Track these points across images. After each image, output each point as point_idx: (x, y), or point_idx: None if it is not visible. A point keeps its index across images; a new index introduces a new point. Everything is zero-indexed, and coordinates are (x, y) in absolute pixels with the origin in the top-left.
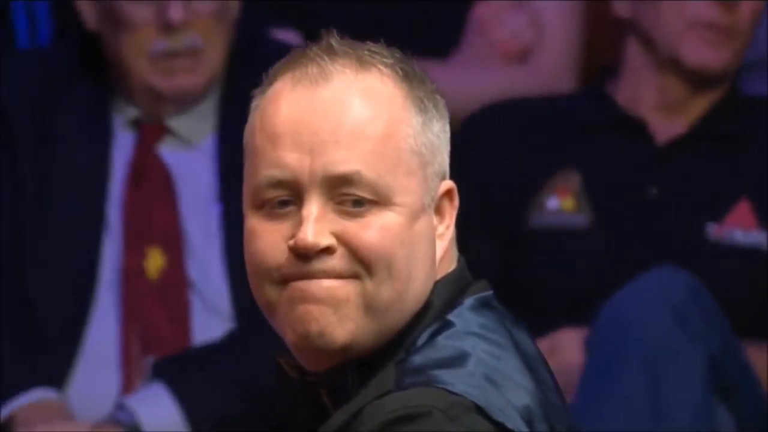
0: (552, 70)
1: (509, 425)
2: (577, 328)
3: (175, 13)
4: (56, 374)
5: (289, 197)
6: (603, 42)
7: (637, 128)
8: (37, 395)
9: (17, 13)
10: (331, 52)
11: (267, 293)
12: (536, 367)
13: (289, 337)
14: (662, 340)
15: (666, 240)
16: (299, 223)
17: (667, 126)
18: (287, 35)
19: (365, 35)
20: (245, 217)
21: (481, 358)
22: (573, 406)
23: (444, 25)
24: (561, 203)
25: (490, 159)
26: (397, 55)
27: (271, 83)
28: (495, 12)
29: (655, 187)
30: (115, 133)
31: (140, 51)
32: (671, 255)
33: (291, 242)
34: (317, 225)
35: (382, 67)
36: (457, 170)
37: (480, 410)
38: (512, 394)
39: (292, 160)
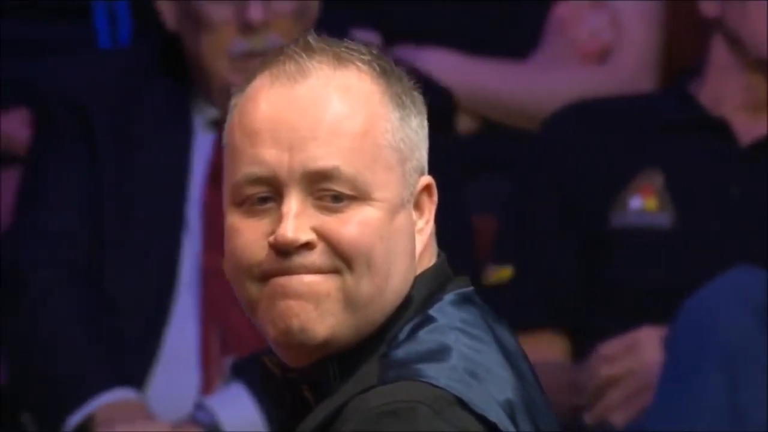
0: (631, 70)
1: (491, 419)
2: (657, 327)
3: (255, 13)
4: (136, 374)
5: (268, 194)
6: (680, 42)
7: (720, 128)
8: (118, 395)
9: (98, 13)
10: (309, 49)
11: (248, 290)
12: (518, 363)
13: (270, 333)
14: (742, 339)
15: (747, 240)
16: (279, 219)
17: (750, 126)
18: (367, 35)
19: (445, 36)
20: (225, 215)
21: (463, 353)
22: (652, 405)
23: (523, 25)
24: (644, 203)
25: (572, 159)
26: (375, 52)
27: (249, 81)
28: (575, 12)
29: (738, 187)
30: (195, 133)
31: (220, 51)
32: (752, 255)
33: (271, 238)
34: (297, 221)
35: (359, 64)
36: (538, 171)
37: (462, 404)
38: (494, 388)
39: (271, 156)
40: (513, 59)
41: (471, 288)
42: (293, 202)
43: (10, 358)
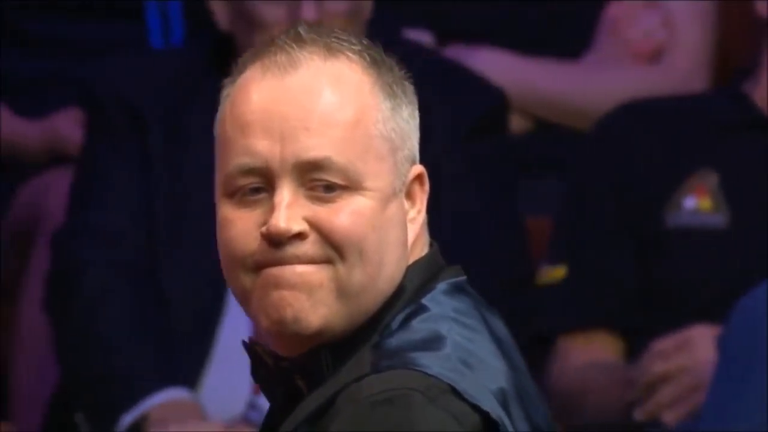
0: (685, 70)
1: (484, 407)
2: (710, 325)
3: (308, 12)
4: (189, 374)
5: (260, 184)
6: (734, 42)
7: None
8: (171, 394)
9: (150, 14)
10: (300, 40)
11: (241, 281)
12: (510, 352)
13: (263, 323)
14: None
15: None
16: (271, 209)
17: None
18: (420, 35)
19: (497, 35)
20: (218, 206)
21: (456, 342)
22: (705, 404)
23: (576, 24)
24: (698, 203)
25: (626, 159)
26: (365, 42)
27: (240, 72)
28: (628, 12)
29: None
30: None
31: None
32: None
33: (263, 229)
34: (289, 211)
35: (350, 54)
36: (592, 171)
37: (455, 393)
38: (487, 377)
39: (262, 147)
40: (566, 59)
41: (463, 277)
42: (285, 193)
43: (63, 358)
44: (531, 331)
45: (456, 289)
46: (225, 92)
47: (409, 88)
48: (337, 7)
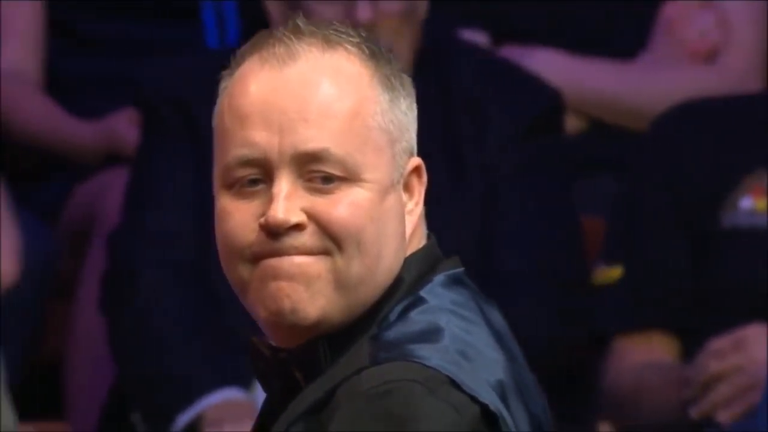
0: (741, 70)
1: (483, 399)
2: (766, 325)
3: (363, 13)
4: (244, 374)
5: (258, 176)
6: None
7: None
8: (226, 394)
9: (206, 14)
10: (298, 32)
11: (239, 272)
12: (508, 344)
13: (261, 314)
14: None
15: None
16: (269, 200)
17: None
18: (475, 36)
19: (553, 36)
20: (216, 198)
21: (454, 334)
22: (760, 405)
23: (632, 25)
24: (755, 203)
25: (682, 158)
26: (363, 34)
27: (239, 64)
28: (684, 12)
29: None
30: None
31: None
32: None
33: (262, 220)
34: (287, 202)
35: (348, 46)
36: (648, 171)
37: (454, 384)
38: (485, 369)
39: (261, 138)
40: (621, 59)
41: (461, 269)
42: (283, 184)
43: (119, 358)
44: (587, 331)
45: (454, 281)
46: (223, 84)
47: (407, 81)
48: (392, 7)
